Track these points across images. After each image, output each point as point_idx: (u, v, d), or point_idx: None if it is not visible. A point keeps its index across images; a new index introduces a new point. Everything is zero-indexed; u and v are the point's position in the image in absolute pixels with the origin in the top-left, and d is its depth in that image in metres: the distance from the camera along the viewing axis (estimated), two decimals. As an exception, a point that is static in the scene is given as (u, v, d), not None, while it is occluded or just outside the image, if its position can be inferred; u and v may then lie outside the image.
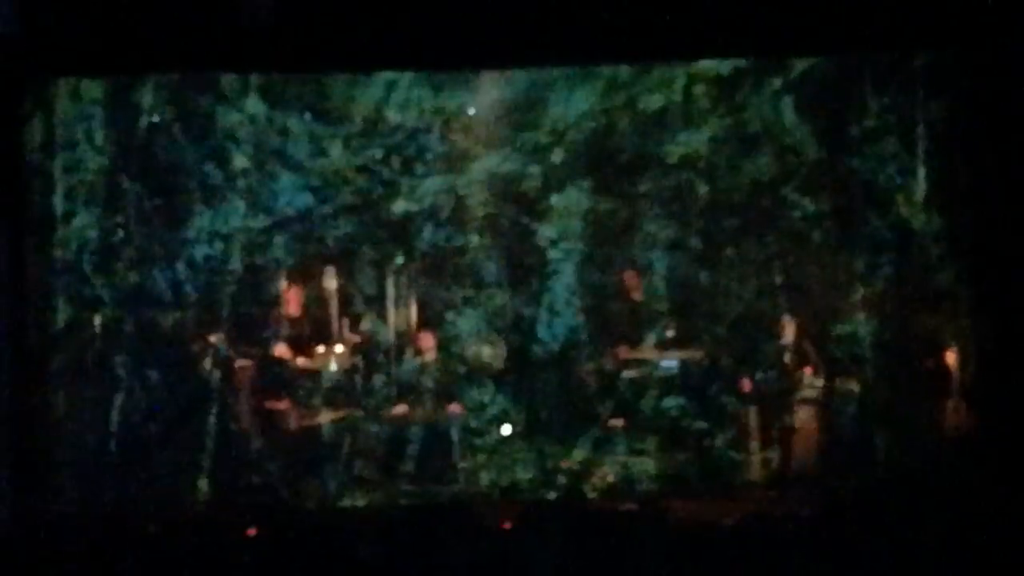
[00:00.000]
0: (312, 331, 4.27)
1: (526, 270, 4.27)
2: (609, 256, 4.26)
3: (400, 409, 4.22)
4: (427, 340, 4.22)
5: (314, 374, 4.25)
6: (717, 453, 4.24)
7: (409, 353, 4.26)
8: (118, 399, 4.21)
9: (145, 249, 4.23)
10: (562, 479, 4.23)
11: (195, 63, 4.17)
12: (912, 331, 4.24)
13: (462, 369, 4.25)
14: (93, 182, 4.22)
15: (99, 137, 4.23)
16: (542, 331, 4.24)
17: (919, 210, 4.24)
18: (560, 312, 4.24)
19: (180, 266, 4.23)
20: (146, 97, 4.23)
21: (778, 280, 4.25)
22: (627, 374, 4.24)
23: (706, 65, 4.24)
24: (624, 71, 4.24)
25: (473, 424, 4.24)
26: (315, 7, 4.04)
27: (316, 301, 4.27)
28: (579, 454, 4.23)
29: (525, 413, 4.24)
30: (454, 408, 4.24)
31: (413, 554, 4.13)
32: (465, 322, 4.25)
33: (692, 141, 4.24)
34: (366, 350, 4.26)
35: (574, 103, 4.25)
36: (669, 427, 4.24)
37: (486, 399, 4.24)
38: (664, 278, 4.25)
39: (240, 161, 4.25)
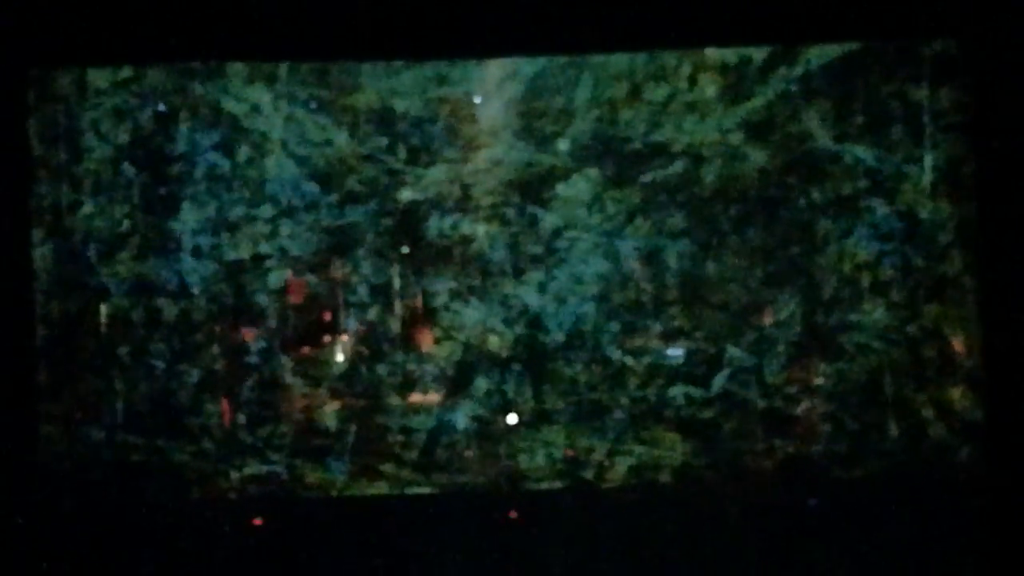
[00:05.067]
0: (318, 320, 4.26)
1: (532, 259, 4.25)
2: (616, 245, 4.24)
3: (406, 398, 4.21)
4: (433, 329, 4.21)
5: (320, 363, 4.25)
6: (724, 442, 4.23)
7: (415, 341, 4.25)
8: (124, 388, 4.22)
9: (149, 238, 4.23)
10: (568, 468, 4.23)
11: (200, 52, 4.18)
12: (919, 319, 4.23)
13: (468, 358, 4.24)
14: (98, 171, 4.23)
15: (104, 126, 4.23)
16: (548, 320, 4.24)
17: (926, 198, 4.23)
18: (567, 300, 4.24)
19: (184, 255, 4.23)
20: (151, 86, 4.23)
21: (784, 268, 4.23)
22: (633, 363, 4.23)
23: (712, 53, 4.23)
24: (630, 59, 4.22)
25: (479, 413, 4.24)
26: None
27: (322, 290, 4.26)
28: (585, 443, 4.23)
29: (531, 402, 4.24)
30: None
31: (419, 543, 4.15)
32: (471, 311, 4.24)
33: (698, 130, 4.23)
34: (372, 339, 4.25)
35: (580, 91, 4.24)
36: (675, 415, 4.23)
37: (492, 388, 4.24)
38: (671, 267, 4.24)
39: (246, 150, 4.24)
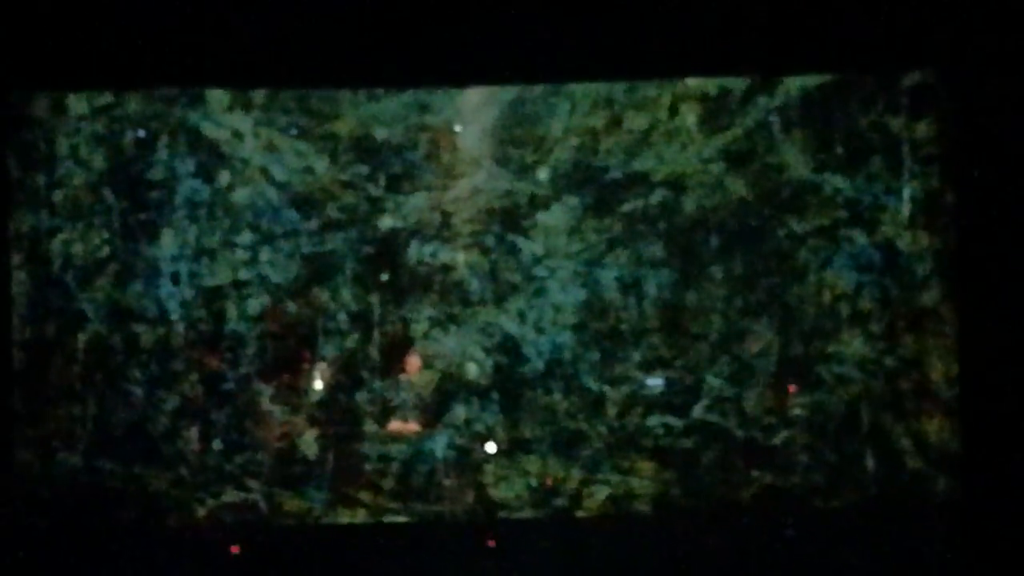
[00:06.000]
0: (296, 347, 4.25)
1: (512, 287, 4.25)
2: (595, 274, 4.24)
3: (384, 426, 4.20)
4: (412, 357, 4.21)
5: (298, 390, 4.23)
6: (702, 471, 4.22)
7: (394, 369, 4.24)
8: (101, 414, 4.20)
9: (128, 264, 4.21)
10: (546, 497, 4.22)
11: (180, 78, 4.17)
12: (897, 350, 4.23)
13: (447, 386, 4.23)
14: (77, 197, 4.22)
15: (83, 152, 4.22)
16: (527, 348, 4.23)
17: (904, 229, 4.24)
18: (546, 329, 4.23)
19: (163, 281, 4.21)
20: (131, 112, 4.22)
21: (763, 298, 4.24)
22: (612, 392, 4.23)
23: (692, 84, 4.24)
24: (610, 89, 4.23)
25: (458, 442, 4.23)
26: (303, 24, 4.06)
27: (301, 317, 4.25)
28: (563, 472, 4.22)
29: (510, 431, 4.23)
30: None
31: (397, 571, 4.13)
32: (450, 339, 4.24)
33: (678, 159, 4.24)
34: (351, 366, 4.23)
35: (560, 120, 4.24)
36: (654, 445, 4.23)
37: (471, 416, 4.23)
38: (651, 296, 4.24)
39: (225, 176, 4.23)
